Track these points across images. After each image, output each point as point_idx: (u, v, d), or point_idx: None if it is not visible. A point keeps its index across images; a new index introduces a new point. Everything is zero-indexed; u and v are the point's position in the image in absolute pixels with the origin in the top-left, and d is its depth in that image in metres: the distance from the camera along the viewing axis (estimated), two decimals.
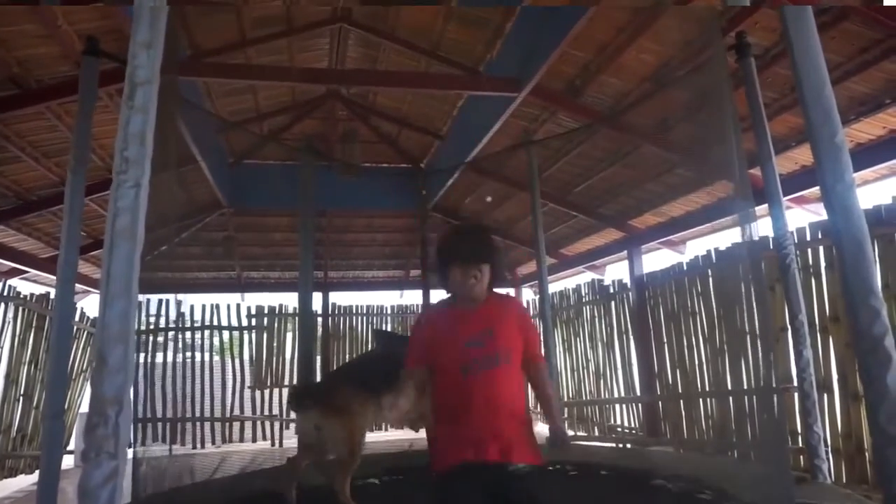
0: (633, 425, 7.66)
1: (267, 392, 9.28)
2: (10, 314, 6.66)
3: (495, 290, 2.32)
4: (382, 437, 8.24)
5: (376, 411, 2.88)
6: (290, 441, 8.41)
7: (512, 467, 2.11)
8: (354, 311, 10.12)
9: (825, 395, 4.67)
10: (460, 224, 2.55)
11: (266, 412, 9.19)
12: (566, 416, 8.59)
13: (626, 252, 7.83)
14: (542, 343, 2.32)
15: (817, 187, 5.11)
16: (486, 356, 2.19)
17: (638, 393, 7.48)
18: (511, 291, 10.99)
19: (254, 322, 9.47)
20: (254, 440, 9.02)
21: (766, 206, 3.41)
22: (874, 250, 1.61)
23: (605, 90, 5.54)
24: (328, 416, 3.00)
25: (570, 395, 8.96)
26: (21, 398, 6.83)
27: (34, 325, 7.02)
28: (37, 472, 6.97)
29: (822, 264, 4.84)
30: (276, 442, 8.99)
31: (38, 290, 7.54)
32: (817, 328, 4.76)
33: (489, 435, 2.13)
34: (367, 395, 2.95)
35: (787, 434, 4.68)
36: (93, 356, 8.18)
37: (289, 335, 9.59)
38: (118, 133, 1.43)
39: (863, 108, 4.47)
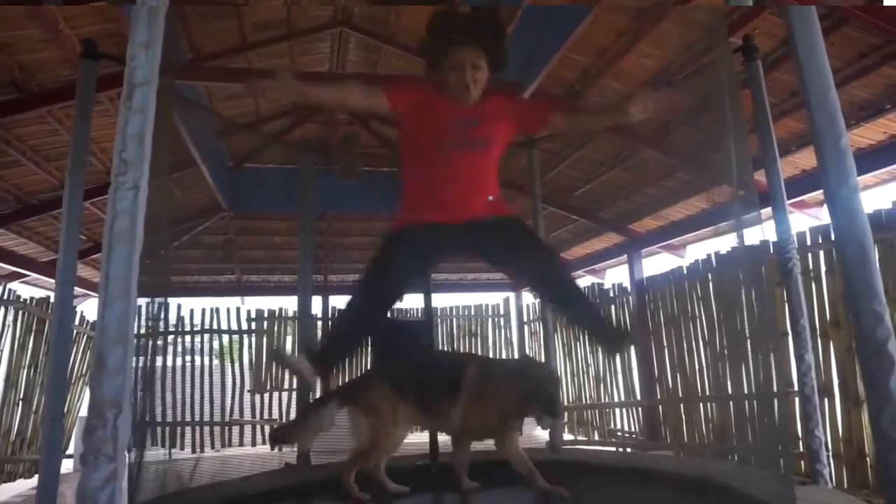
0: (633, 429, 7.64)
1: (266, 396, 9.26)
2: (10, 318, 6.65)
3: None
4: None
5: (412, 412, 2.74)
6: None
7: (485, 222, 2.14)
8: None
9: (826, 400, 4.66)
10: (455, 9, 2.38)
11: (266, 416, 9.17)
12: (565, 419, 8.57)
13: (626, 256, 7.83)
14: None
15: (817, 192, 5.14)
16: (473, 137, 2.13)
17: (638, 397, 7.47)
18: (511, 295, 10.99)
19: (253, 326, 9.46)
20: (253, 444, 9.00)
21: (767, 209, 3.41)
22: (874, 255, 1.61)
23: (605, 94, 5.54)
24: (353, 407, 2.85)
25: (571, 399, 8.94)
26: (20, 402, 6.82)
27: (34, 328, 7.02)
28: (36, 476, 6.95)
29: (823, 268, 4.84)
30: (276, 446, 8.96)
31: (39, 293, 7.53)
32: (818, 332, 4.76)
33: (459, 207, 2.12)
34: (400, 393, 2.78)
35: (789, 438, 4.67)
36: (92, 359, 8.22)
37: (289, 339, 9.58)
38: (117, 134, 1.43)
39: (863, 113, 4.48)
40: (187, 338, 9.23)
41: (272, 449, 3.02)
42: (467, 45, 2.10)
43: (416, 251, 2.17)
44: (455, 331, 10.11)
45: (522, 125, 2.26)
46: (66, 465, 6.48)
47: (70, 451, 7.72)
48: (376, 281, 2.17)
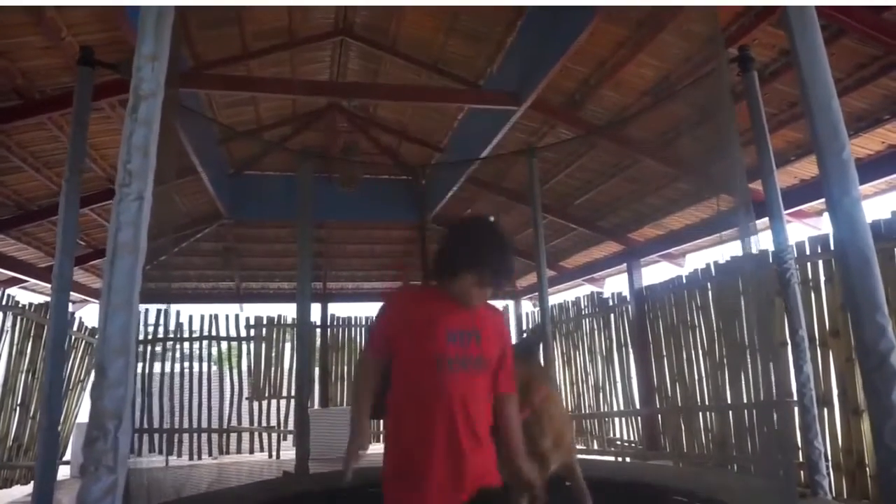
0: (632, 438, 7.62)
1: (265, 403, 9.24)
2: (9, 323, 6.64)
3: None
4: None
5: None
6: (288, 452, 8.36)
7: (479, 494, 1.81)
8: (353, 323, 10.09)
9: (825, 410, 4.65)
10: (496, 228, 2.08)
11: (264, 423, 9.14)
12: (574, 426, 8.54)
13: (625, 265, 7.84)
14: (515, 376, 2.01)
15: (816, 202, 5.14)
16: (466, 357, 1.87)
17: (637, 406, 7.45)
18: (511, 304, 10.98)
19: (252, 332, 9.44)
20: (251, 451, 8.96)
21: (765, 219, 3.42)
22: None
23: (604, 104, 5.57)
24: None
25: (570, 408, 8.92)
26: (18, 407, 6.79)
27: (32, 334, 7.00)
28: (32, 482, 6.92)
29: (822, 278, 4.84)
30: (274, 453, 8.93)
31: (38, 299, 7.52)
32: (817, 342, 4.76)
33: (459, 470, 1.80)
34: None
35: (791, 448, 4.67)
36: (91, 366, 8.17)
37: (287, 346, 9.56)
38: (122, 145, 1.43)
39: (861, 123, 4.50)
40: (186, 344, 9.21)
41: None
42: (495, 273, 1.95)
43: None
44: None
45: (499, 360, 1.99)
46: (63, 472, 6.45)
47: (67, 457, 7.70)
48: None
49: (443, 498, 1.79)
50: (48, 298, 7.63)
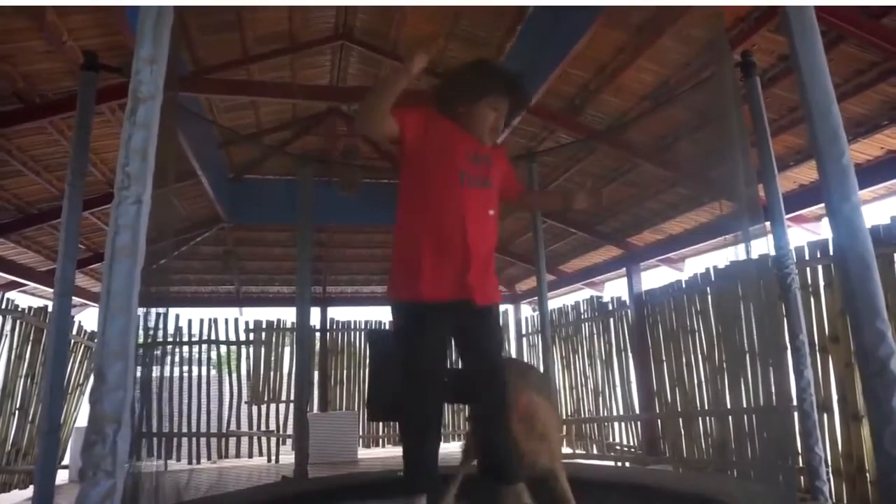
0: (632, 443, 7.61)
1: (264, 407, 9.22)
2: (8, 327, 6.63)
3: None
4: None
5: None
6: (287, 457, 8.34)
7: (480, 307, 2.11)
8: (353, 327, 10.09)
9: (825, 416, 4.64)
10: (500, 63, 2.61)
11: (263, 427, 9.12)
12: (563, 432, 8.53)
13: (625, 269, 7.84)
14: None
15: (816, 206, 5.15)
16: (482, 175, 2.16)
17: (637, 411, 7.44)
18: (511, 308, 10.98)
19: (251, 336, 9.43)
20: (250, 456, 8.95)
21: (766, 224, 3.42)
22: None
23: (604, 109, 5.58)
24: None
25: (569, 413, 8.91)
26: (17, 412, 6.78)
27: (31, 338, 6.99)
28: (30, 487, 6.91)
29: (822, 283, 4.84)
30: (273, 458, 8.91)
31: (37, 303, 7.52)
32: (816, 348, 4.75)
33: (471, 267, 2.07)
34: None
35: (791, 453, 4.65)
36: (90, 370, 8.16)
37: (286, 350, 9.55)
38: (120, 149, 1.43)
39: (860, 129, 4.51)
40: (185, 348, 9.20)
41: None
42: (509, 95, 2.25)
43: (434, 331, 2.11)
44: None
45: (503, 188, 2.33)
46: (62, 476, 6.44)
47: (66, 461, 7.68)
48: (418, 363, 2.09)
49: (476, 280, 2.08)
50: (47, 302, 7.64)
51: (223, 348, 9.47)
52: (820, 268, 4.87)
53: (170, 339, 8.88)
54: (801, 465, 3.81)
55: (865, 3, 3.58)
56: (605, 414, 8.11)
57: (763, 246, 2.53)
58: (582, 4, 4.02)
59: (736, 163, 2.47)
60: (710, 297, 6.27)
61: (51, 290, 7.32)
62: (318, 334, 9.66)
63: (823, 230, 5.75)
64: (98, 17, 4.18)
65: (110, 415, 1.23)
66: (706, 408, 6.24)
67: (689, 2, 3.75)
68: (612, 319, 8.05)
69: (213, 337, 9.26)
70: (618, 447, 7.84)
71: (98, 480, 1.21)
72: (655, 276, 8.19)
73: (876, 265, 1.50)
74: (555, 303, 9.53)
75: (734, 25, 4.14)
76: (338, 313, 10.20)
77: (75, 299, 8.30)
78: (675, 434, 6.68)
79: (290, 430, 8.70)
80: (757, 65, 3.35)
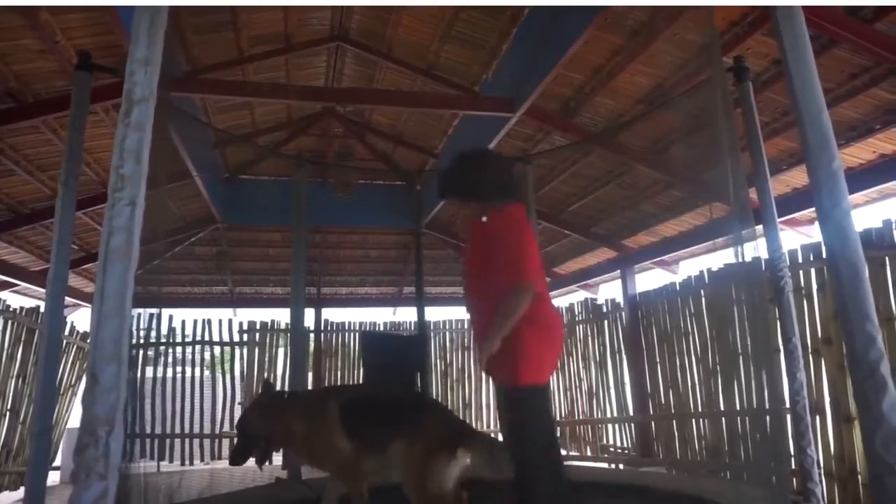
0: (625, 445, 7.62)
1: None
2: (0, 327, 6.59)
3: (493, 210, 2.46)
4: None
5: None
6: (280, 459, 8.31)
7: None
8: (347, 328, 10.07)
9: (817, 418, 4.66)
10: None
11: None
12: (560, 434, 8.53)
13: (619, 271, 7.85)
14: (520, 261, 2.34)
15: (809, 209, 5.17)
16: (466, 283, 2.54)
17: (631, 413, 7.45)
18: None
19: (245, 337, 9.39)
20: None
21: (759, 227, 3.44)
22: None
23: (599, 111, 5.59)
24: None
25: (563, 415, 8.91)
26: (7, 413, 6.73)
27: (23, 338, 6.94)
28: (21, 488, 6.85)
29: (815, 286, 4.86)
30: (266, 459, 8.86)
31: (29, 303, 7.47)
32: (809, 350, 4.77)
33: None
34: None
35: (784, 455, 4.67)
36: (82, 371, 8.10)
37: (280, 351, 9.51)
38: (114, 150, 1.43)
39: (853, 132, 4.54)
40: (178, 349, 9.16)
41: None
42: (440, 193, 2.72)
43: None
44: (448, 344, 10.08)
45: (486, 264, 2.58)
46: (53, 478, 6.39)
47: (57, 462, 7.62)
48: (550, 437, 2.44)
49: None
50: (39, 302, 7.60)
51: (217, 349, 9.42)
52: (813, 271, 4.89)
53: (163, 340, 8.84)
54: (793, 466, 3.84)
55: (851, 3, 3.60)
56: (599, 416, 8.12)
57: (752, 249, 2.55)
58: (577, 5, 4.03)
59: (726, 166, 2.48)
60: (703, 299, 6.29)
61: (43, 291, 7.27)
62: (312, 335, 9.63)
63: (816, 233, 5.78)
64: (91, 17, 4.16)
65: (103, 417, 1.23)
66: (700, 410, 6.26)
67: (684, 1, 3.77)
68: (606, 321, 8.06)
69: (206, 338, 9.20)
70: (612, 449, 7.85)
71: (91, 483, 1.21)
72: (650, 279, 8.21)
73: (866, 270, 1.52)
74: None
75: (728, 29, 4.16)
76: (332, 314, 10.18)
77: (67, 299, 8.26)
78: (668, 436, 6.69)
79: None
80: (750, 69, 3.38)
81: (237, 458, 2.97)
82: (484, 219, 2.47)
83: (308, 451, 2.91)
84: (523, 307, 2.26)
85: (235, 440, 2.98)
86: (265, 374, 9.30)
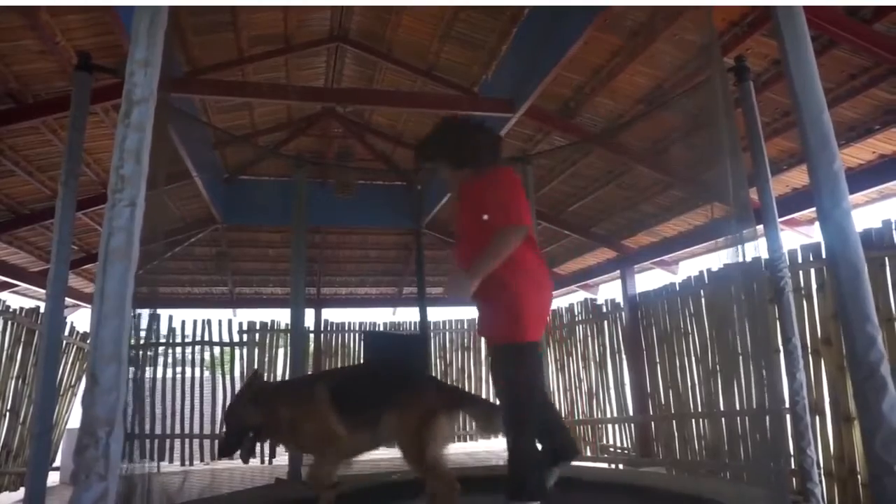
0: (625, 445, 7.62)
1: None
2: (0, 328, 6.58)
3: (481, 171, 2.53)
4: None
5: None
6: (280, 458, 8.31)
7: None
8: (347, 328, 10.07)
9: (817, 418, 4.66)
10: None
11: None
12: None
13: (619, 271, 7.86)
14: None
15: (809, 210, 5.18)
16: (458, 239, 2.57)
17: (630, 413, 7.46)
18: None
19: (245, 338, 9.39)
20: None
21: (760, 227, 3.44)
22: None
23: (599, 111, 5.60)
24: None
25: (563, 415, 8.92)
26: (7, 413, 6.73)
27: (23, 339, 6.94)
28: (21, 489, 6.85)
29: (814, 286, 4.86)
30: (266, 459, 8.87)
31: (29, 303, 7.47)
32: (809, 350, 4.77)
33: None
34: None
35: (784, 455, 4.67)
36: (82, 371, 8.10)
37: (280, 351, 9.51)
38: (114, 151, 1.43)
39: (852, 133, 4.54)
40: (178, 349, 9.16)
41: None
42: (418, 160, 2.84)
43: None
44: (448, 344, 10.09)
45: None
46: (52, 478, 6.39)
47: (56, 463, 7.62)
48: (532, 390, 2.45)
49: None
50: (39, 303, 7.59)
51: (216, 350, 9.42)
52: (812, 271, 4.89)
53: (163, 340, 8.84)
54: (793, 467, 3.84)
55: (850, 3, 3.60)
56: (599, 416, 8.12)
57: (753, 249, 2.55)
58: (577, 5, 4.03)
59: (726, 167, 2.49)
60: (703, 299, 6.29)
61: (42, 291, 7.28)
62: (312, 336, 9.63)
63: (816, 234, 5.78)
64: (91, 18, 4.17)
65: (103, 418, 1.23)
66: (699, 410, 6.26)
67: (683, 1, 3.77)
68: (606, 322, 8.07)
69: (206, 338, 9.21)
70: (612, 449, 7.86)
71: (91, 483, 1.21)
72: (649, 279, 8.22)
73: (866, 270, 1.52)
74: None
75: (728, 29, 4.16)
76: (332, 314, 10.18)
77: (67, 300, 8.26)
78: (668, 436, 6.70)
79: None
80: (750, 69, 3.38)
81: (226, 451, 2.94)
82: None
83: (299, 436, 2.88)
84: (514, 244, 2.31)
85: (224, 432, 2.93)
86: (265, 375, 9.29)
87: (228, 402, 9.00)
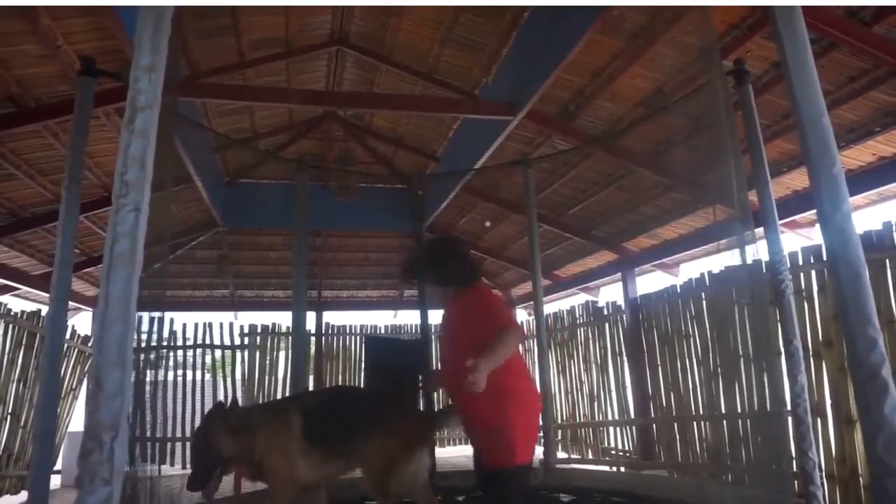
0: (627, 448, 7.62)
1: None
2: (0, 331, 6.58)
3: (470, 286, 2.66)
4: None
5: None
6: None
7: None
8: (348, 331, 10.07)
9: (818, 420, 4.66)
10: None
11: None
12: (559, 437, 8.53)
13: (620, 274, 7.86)
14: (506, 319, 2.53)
15: (809, 212, 5.18)
16: (446, 359, 2.64)
17: (632, 415, 7.45)
18: None
19: (246, 341, 9.39)
20: None
21: (759, 229, 3.44)
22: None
23: (599, 114, 5.60)
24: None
25: (564, 417, 8.91)
26: (8, 417, 6.73)
27: (24, 342, 6.94)
28: (21, 492, 6.83)
29: (815, 288, 4.86)
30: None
31: (30, 307, 7.47)
32: (810, 352, 4.77)
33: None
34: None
35: (785, 458, 4.66)
36: (83, 375, 8.09)
37: (281, 354, 9.51)
38: (118, 157, 1.43)
39: (852, 135, 4.54)
40: (179, 352, 9.16)
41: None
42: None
43: None
44: None
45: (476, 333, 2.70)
46: (54, 482, 6.39)
47: (57, 466, 7.62)
48: None
49: None
50: (40, 306, 7.60)
51: (218, 353, 9.43)
52: (813, 273, 4.89)
53: (164, 343, 8.83)
54: (795, 469, 3.83)
55: (850, 3, 3.61)
56: (601, 418, 8.11)
57: (752, 251, 2.55)
58: (577, 5, 4.04)
59: (724, 169, 2.49)
60: (704, 301, 6.29)
61: (44, 294, 7.28)
62: (313, 339, 9.63)
63: (817, 235, 5.78)
64: (93, 22, 4.18)
65: (108, 422, 1.23)
66: (701, 412, 6.25)
67: (684, 2, 3.78)
68: (607, 324, 8.06)
69: (207, 341, 9.21)
70: (613, 452, 7.85)
71: (95, 488, 1.21)
72: (651, 281, 8.23)
73: (867, 274, 1.52)
74: (550, 307, 9.54)
75: (727, 32, 4.17)
76: (333, 317, 10.18)
77: (69, 303, 8.29)
78: (670, 438, 6.69)
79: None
80: (750, 72, 3.38)
81: (197, 484, 2.69)
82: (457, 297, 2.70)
83: (265, 470, 2.74)
84: (515, 343, 2.45)
85: (191, 464, 2.68)
86: (266, 378, 9.29)
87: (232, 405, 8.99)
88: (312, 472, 2.78)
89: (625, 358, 7.65)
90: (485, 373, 2.20)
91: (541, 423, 2.67)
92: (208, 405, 8.87)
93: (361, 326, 10.11)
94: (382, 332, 10.15)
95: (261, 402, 9.18)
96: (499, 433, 2.39)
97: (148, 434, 8.20)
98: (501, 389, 2.36)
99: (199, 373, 9.19)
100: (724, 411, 5.83)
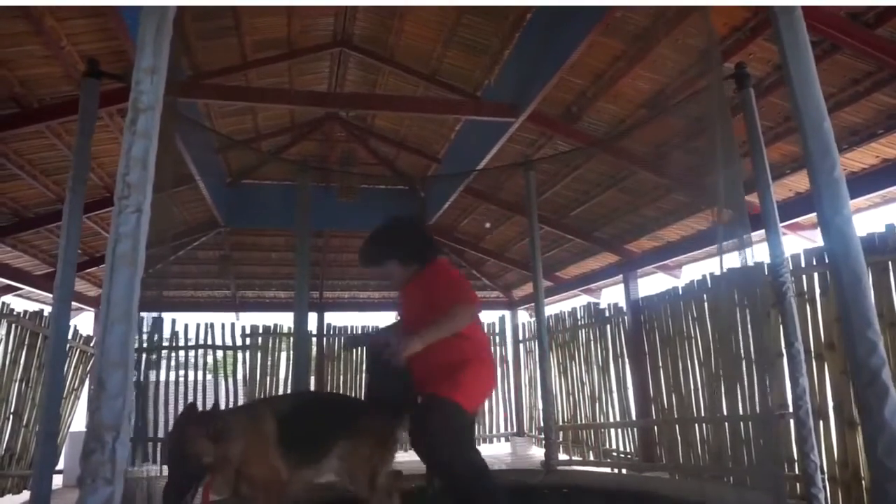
0: (628, 449, 7.61)
1: None
2: (3, 331, 6.60)
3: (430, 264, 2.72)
4: None
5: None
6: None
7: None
8: (349, 332, 10.07)
9: (821, 423, 4.65)
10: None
11: None
12: (560, 438, 8.52)
13: (621, 276, 7.86)
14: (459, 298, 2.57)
15: (811, 214, 5.18)
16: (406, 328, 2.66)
17: (633, 417, 7.44)
18: (508, 314, 10.98)
19: (248, 341, 9.41)
20: None
21: (761, 231, 3.44)
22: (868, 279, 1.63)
23: (601, 116, 5.61)
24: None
25: (566, 419, 8.91)
26: (10, 416, 6.74)
27: (26, 342, 6.96)
28: (24, 492, 6.85)
29: (817, 291, 4.86)
30: None
31: (33, 306, 7.49)
32: (812, 355, 4.77)
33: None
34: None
35: (782, 460, 4.66)
36: (85, 375, 8.11)
37: (283, 355, 9.51)
38: (120, 158, 1.44)
39: (855, 137, 4.54)
40: (181, 352, 9.17)
41: None
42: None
43: None
44: None
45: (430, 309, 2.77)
46: (56, 481, 6.39)
47: (59, 466, 7.63)
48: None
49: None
50: (42, 306, 7.61)
51: (219, 353, 9.44)
52: (815, 275, 4.89)
53: (166, 344, 8.85)
54: (796, 471, 3.83)
55: (850, 3, 3.61)
56: (602, 420, 8.11)
57: (751, 254, 2.55)
58: (577, 5, 4.04)
59: (717, 173, 2.49)
60: (706, 303, 6.29)
61: (47, 295, 7.28)
62: (314, 339, 9.64)
63: (819, 237, 5.76)
64: (96, 23, 4.19)
65: (109, 423, 1.24)
66: (702, 414, 6.25)
67: (684, 2, 3.78)
68: (608, 326, 8.06)
69: (209, 342, 9.22)
70: (614, 454, 7.84)
71: (97, 488, 1.22)
72: (652, 283, 8.23)
73: (868, 277, 1.53)
74: (552, 309, 9.54)
75: (730, 34, 4.17)
76: (335, 318, 10.19)
77: (71, 304, 8.29)
78: (671, 440, 6.68)
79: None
80: (752, 74, 3.38)
81: (175, 497, 2.36)
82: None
83: (243, 479, 2.54)
84: (466, 321, 2.47)
85: (167, 474, 2.40)
86: (267, 379, 9.31)
87: (231, 405, 9.04)
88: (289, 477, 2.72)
89: (626, 359, 7.64)
90: (419, 345, 2.28)
91: (542, 424, 2.68)
92: (210, 406, 8.91)
93: (363, 327, 10.11)
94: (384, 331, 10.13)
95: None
96: (448, 380, 2.43)
97: (149, 434, 8.25)
98: (461, 333, 2.45)
99: (200, 373, 9.21)
100: (725, 413, 5.83)
